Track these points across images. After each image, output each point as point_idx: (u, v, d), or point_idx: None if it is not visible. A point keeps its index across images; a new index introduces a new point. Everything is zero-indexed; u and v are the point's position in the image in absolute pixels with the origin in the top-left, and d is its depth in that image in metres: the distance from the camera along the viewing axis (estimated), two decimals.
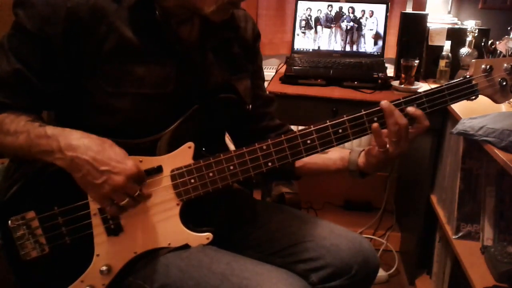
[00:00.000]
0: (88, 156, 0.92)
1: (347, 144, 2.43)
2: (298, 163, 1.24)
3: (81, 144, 0.93)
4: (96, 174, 0.92)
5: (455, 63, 2.17)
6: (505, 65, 1.05)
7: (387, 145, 1.04)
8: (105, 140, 0.96)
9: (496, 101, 1.07)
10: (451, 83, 1.05)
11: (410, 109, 1.03)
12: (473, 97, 1.06)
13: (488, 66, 1.04)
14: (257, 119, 1.28)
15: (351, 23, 2.33)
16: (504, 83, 1.05)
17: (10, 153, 1.03)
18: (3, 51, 0.99)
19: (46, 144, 0.94)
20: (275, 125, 1.30)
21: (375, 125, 1.03)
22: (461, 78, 1.05)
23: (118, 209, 0.96)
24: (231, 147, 1.28)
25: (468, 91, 1.05)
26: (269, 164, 1.05)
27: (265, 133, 1.27)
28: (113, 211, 0.97)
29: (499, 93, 1.06)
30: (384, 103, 1.02)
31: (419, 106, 1.03)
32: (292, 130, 1.32)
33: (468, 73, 1.06)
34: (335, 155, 1.16)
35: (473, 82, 1.05)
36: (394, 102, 1.03)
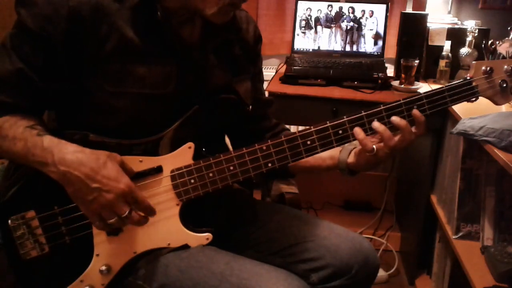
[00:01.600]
0: (80, 172, 0.92)
1: None
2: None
3: (74, 159, 0.93)
4: (87, 191, 0.92)
5: (455, 63, 2.17)
6: (506, 66, 1.05)
7: (375, 150, 1.05)
8: (100, 156, 0.94)
9: (496, 102, 1.07)
10: (452, 84, 1.05)
11: (416, 112, 1.03)
12: (474, 99, 1.06)
13: (488, 68, 1.04)
14: (256, 121, 1.29)
15: (351, 23, 2.33)
16: (505, 85, 1.05)
17: (8, 158, 1.03)
18: (5, 50, 0.99)
19: (41, 155, 0.94)
20: (271, 125, 1.31)
21: (360, 136, 1.03)
22: (462, 80, 1.06)
23: (106, 226, 0.96)
24: (231, 147, 1.29)
25: (468, 93, 1.05)
26: (269, 164, 1.05)
27: (262, 133, 1.28)
28: (100, 227, 0.96)
29: (499, 95, 1.06)
30: (379, 126, 1.03)
31: (420, 108, 1.03)
32: (287, 129, 1.33)
33: (468, 74, 1.06)
34: (325, 154, 1.16)
35: (474, 83, 1.05)
36: (395, 103, 1.03)
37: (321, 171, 1.24)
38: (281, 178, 1.39)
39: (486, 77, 1.05)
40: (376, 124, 1.03)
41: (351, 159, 1.15)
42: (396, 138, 1.03)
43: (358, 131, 1.03)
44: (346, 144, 1.07)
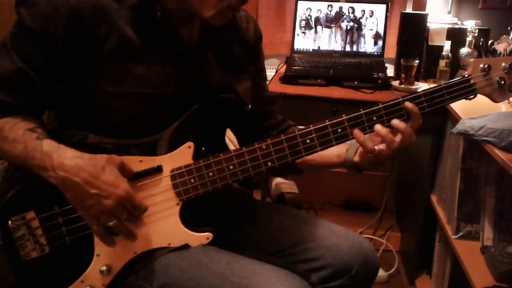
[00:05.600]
0: (79, 178, 0.92)
1: None
2: (298, 160, 1.24)
3: (73, 164, 0.93)
4: (86, 197, 0.93)
5: (455, 63, 2.17)
6: (503, 64, 1.05)
7: (376, 151, 1.04)
8: (98, 161, 0.94)
9: (494, 100, 1.07)
10: (450, 82, 1.05)
11: (408, 104, 1.03)
12: (472, 96, 1.06)
13: (486, 66, 1.04)
14: (261, 119, 1.28)
15: (351, 23, 2.33)
16: (503, 82, 1.05)
17: (8, 160, 1.04)
18: (5, 50, 0.99)
19: (41, 159, 0.94)
20: (277, 122, 1.31)
21: (361, 139, 1.03)
22: (460, 78, 1.06)
23: (105, 229, 0.97)
24: (231, 147, 1.29)
25: (466, 90, 1.05)
26: (269, 163, 1.05)
27: (269, 131, 1.28)
28: (99, 230, 0.97)
29: (497, 92, 1.06)
30: (381, 129, 1.02)
31: (418, 105, 1.03)
32: (294, 125, 1.32)
33: (466, 72, 1.06)
34: (332, 152, 1.16)
35: (472, 81, 1.05)
36: (393, 101, 1.03)
37: (329, 169, 1.25)
38: (290, 173, 1.38)
39: (484, 75, 1.05)
40: (378, 127, 1.02)
41: (357, 157, 1.14)
42: (398, 139, 1.03)
43: (358, 133, 1.03)
44: (352, 141, 1.07)
